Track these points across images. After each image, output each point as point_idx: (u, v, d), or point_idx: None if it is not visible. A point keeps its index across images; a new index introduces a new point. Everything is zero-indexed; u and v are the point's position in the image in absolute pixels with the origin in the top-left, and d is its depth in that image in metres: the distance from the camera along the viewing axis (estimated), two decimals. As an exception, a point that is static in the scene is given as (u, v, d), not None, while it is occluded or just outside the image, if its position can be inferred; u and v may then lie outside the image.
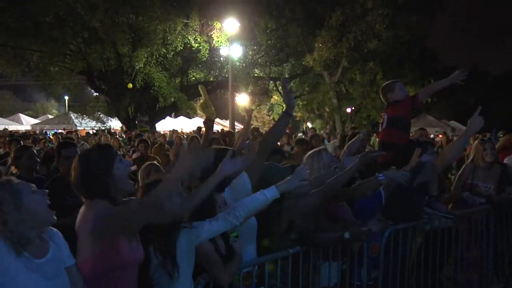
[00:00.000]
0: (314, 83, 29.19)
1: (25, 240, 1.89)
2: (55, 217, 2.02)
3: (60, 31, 19.36)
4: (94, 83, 22.82)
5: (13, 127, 28.70)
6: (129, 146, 12.40)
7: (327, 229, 3.25)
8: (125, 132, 20.84)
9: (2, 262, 1.80)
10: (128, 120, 23.09)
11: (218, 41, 21.42)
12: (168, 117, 28.67)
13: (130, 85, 20.80)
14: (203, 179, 2.54)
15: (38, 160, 4.67)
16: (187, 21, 20.57)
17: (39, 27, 19.15)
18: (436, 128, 22.50)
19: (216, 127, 18.40)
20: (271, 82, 28.56)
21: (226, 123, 23.58)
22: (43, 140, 13.30)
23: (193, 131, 18.79)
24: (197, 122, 25.73)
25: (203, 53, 21.67)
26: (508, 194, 4.70)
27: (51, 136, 16.46)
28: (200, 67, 25.16)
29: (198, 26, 20.91)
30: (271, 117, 35.70)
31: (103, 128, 25.49)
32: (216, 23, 20.60)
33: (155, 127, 24.71)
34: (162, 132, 21.00)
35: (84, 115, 25.65)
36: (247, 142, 5.44)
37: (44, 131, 26.11)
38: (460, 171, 5.06)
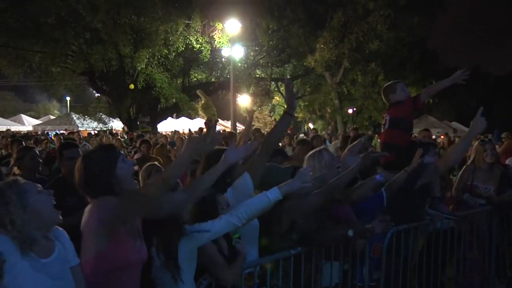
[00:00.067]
0: (316, 84, 29.19)
1: (31, 240, 1.90)
2: (60, 217, 2.04)
3: (61, 32, 19.40)
4: (96, 84, 22.86)
5: (15, 128, 28.69)
6: (130, 147, 12.41)
7: (330, 229, 3.25)
8: (126, 133, 20.85)
9: (8, 261, 1.81)
10: (129, 121, 23.12)
11: (219, 42, 21.43)
12: (169, 118, 28.67)
13: (131, 86, 20.82)
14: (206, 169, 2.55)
15: (41, 161, 4.68)
16: (189, 22, 20.59)
17: (41, 27, 19.20)
18: (437, 129, 22.46)
19: (218, 128, 18.36)
20: (273, 83, 28.58)
21: (228, 124, 23.61)
22: (45, 141, 13.32)
23: (195, 131, 18.79)
24: (199, 123, 25.73)
25: (205, 54, 21.70)
26: (509, 195, 4.67)
27: (52, 137, 16.46)
28: (202, 68, 25.18)
29: (199, 27, 20.93)
30: (273, 118, 35.65)
31: (105, 129, 25.49)
32: (218, 24, 20.61)
33: (156, 128, 24.74)
34: (163, 133, 21.01)
35: (86, 116, 25.66)
36: (248, 143, 5.44)
37: (45, 132, 26.12)
38: (460, 172, 5.04)
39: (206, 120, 12.65)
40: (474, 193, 4.76)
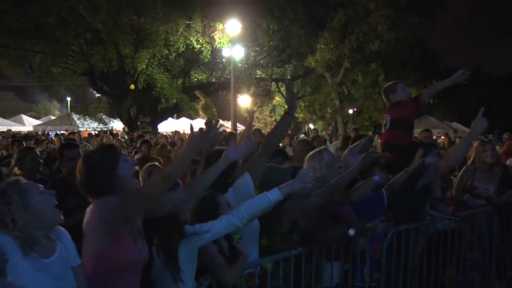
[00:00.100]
0: (316, 84, 29.18)
1: (32, 240, 1.90)
2: (62, 217, 2.04)
3: (62, 32, 19.44)
4: (96, 84, 22.88)
5: (15, 128, 28.68)
6: (131, 147, 12.42)
7: (330, 229, 3.25)
8: (127, 133, 20.86)
9: (10, 260, 1.81)
10: (130, 121, 23.13)
11: (220, 42, 21.44)
12: (170, 118, 28.71)
13: (132, 86, 20.84)
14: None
15: (41, 161, 4.68)
16: (189, 22, 20.60)
17: (41, 28, 19.22)
18: (438, 130, 22.42)
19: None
20: (273, 83, 28.59)
21: (228, 124, 23.59)
22: (46, 141, 13.31)
23: (196, 131, 18.76)
24: (199, 123, 25.75)
25: (205, 54, 21.71)
26: (509, 196, 4.66)
27: (53, 137, 16.45)
28: (202, 68, 25.21)
29: (200, 27, 20.95)
30: (273, 118, 35.65)
31: (105, 129, 25.51)
32: (218, 24, 20.62)
33: (157, 128, 24.75)
34: (164, 133, 21.01)
35: (86, 116, 25.67)
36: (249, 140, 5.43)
37: (46, 132, 26.11)
38: (460, 173, 5.03)
39: (207, 121, 12.68)
40: (474, 194, 4.76)
